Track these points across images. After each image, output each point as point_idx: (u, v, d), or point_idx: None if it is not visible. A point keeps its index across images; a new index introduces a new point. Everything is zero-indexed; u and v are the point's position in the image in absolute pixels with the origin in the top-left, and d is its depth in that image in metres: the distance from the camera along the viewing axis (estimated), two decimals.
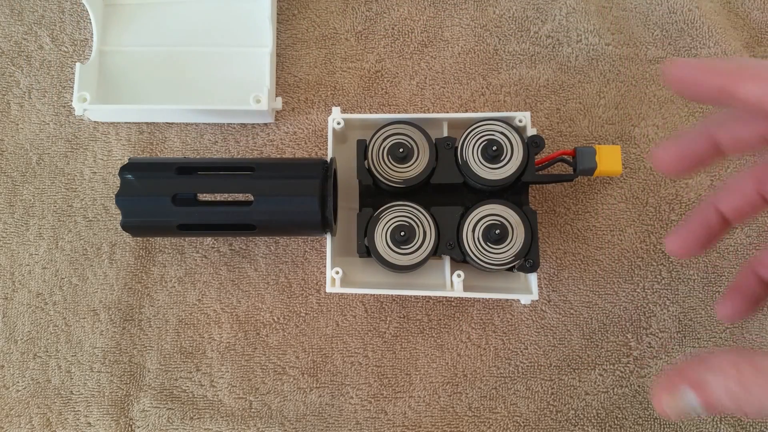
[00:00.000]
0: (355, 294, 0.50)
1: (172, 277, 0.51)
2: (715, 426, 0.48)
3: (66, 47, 0.55)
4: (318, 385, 0.49)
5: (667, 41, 0.54)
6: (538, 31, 0.55)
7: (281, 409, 0.49)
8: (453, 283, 0.45)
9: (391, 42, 0.55)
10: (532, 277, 0.45)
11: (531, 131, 0.46)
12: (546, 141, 0.51)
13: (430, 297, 0.50)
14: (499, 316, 0.50)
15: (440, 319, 0.50)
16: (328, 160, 0.46)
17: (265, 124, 0.53)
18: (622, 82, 0.54)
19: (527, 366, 0.49)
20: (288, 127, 0.53)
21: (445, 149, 0.45)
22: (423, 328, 0.50)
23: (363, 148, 0.45)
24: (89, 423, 0.49)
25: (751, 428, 0.48)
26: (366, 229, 0.44)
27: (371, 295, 0.50)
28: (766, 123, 0.29)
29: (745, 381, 0.25)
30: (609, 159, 0.45)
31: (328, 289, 0.45)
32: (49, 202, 0.52)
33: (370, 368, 0.49)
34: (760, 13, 0.56)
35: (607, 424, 0.49)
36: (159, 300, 0.50)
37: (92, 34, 0.53)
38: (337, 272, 0.44)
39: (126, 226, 0.45)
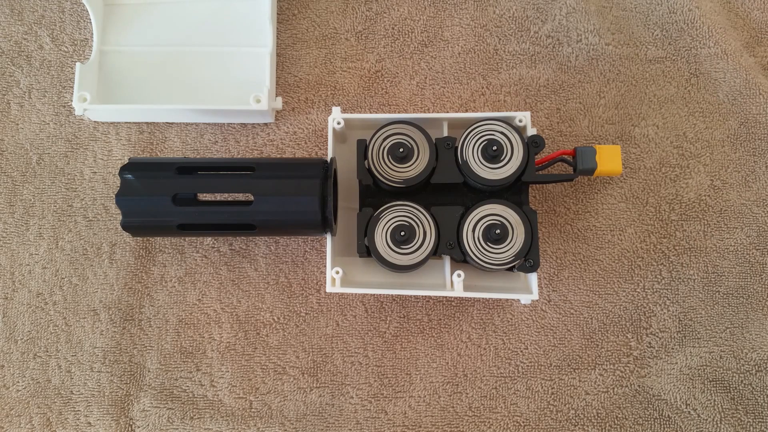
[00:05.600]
0: (355, 294, 0.50)
1: (172, 277, 0.51)
2: (716, 426, 0.48)
3: (66, 47, 0.55)
4: (318, 385, 0.49)
5: (667, 41, 0.54)
6: (538, 31, 0.55)
7: (281, 408, 0.49)
8: (453, 283, 0.45)
9: (391, 42, 0.55)
10: (532, 277, 0.45)
11: (531, 131, 0.46)
12: (546, 141, 0.52)
13: (430, 297, 0.50)
14: (499, 316, 0.50)
15: (440, 319, 0.50)
16: (328, 160, 0.46)
17: (265, 124, 0.53)
18: (622, 82, 0.54)
19: (527, 366, 0.49)
20: (288, 127, 0.53)
21: (445, 149, 0.45)
22: (423, 328, 0.50)
23: (363, 148, 0.45)
24: (89, 423, 0.49)
25: (752, 428, 0.49)
26: (366, 229, 0.44)
27: (371, 295, 0.50)
28: None
29: None
30: (609, 159, 0.45)
31: (328, 289, 0.45)
32: (49, 202, 0.52)
33: (370, 368, 0.49)
34: (760, 13, 0.56)
35: (607, 424, 0.49)
36: (159, 300, 0.50)
37: (92, 34, 0.53)
38: (337, 272, 0.44)
39: (126, 226, 0.45)
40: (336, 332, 0.50)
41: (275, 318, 0.50)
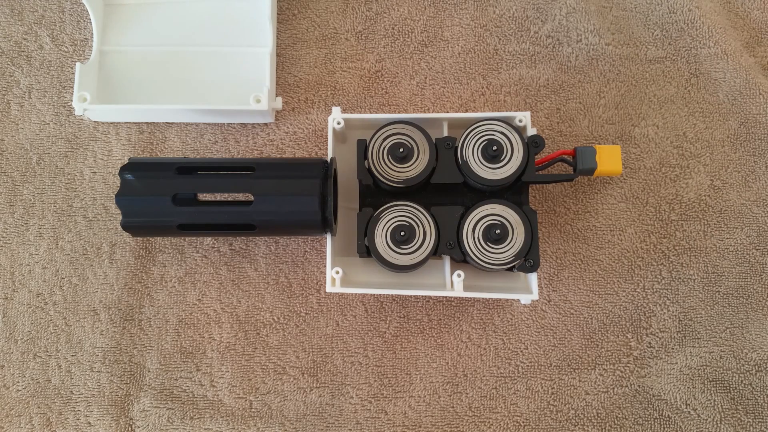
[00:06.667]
0: (355, 294, 0.50)
1: (172, 277, 0.51)
2: (716, 426, 0.48)
3: (66, 47, 0.55)
4: (318, 385, 0.49)
5: (667, 41, 0.54)
6: (538, 31, 0.55)
7: (281, 408, 0.49)
8: (453, 283, 0.45)
9: (391, 42, 0.55)
10: (532, 277, 0.45)
11: (531, 131, 0.46)
12: (546, 141, 0.52)
13: (430, 297, 0.50)
14: (499, 316, 0.50)
15: (440, 319, 0.50)
16: (328, 160, 0.46)
17: (265, 124, 0.53)
18: (622, 82, 0.54)
19: (527, 366, 0.49)
20: (288, 127, 0.53)
21: (445, 149, 0.45)
22: (423, 328, 0.50)
23: (363, 148, 0.45)
24: (89, 423, 0.49)
25: (752, 428, 0.49)
26: (366, 229, 0.44)
27: (371, 295, 0.50)
28: None
29: None
30: (609, 159, 0.45)
31: (328, 289, 0.44)
32: (49, 202, 0.52)
33: (370, 368, 0.49)
34: (760, 13, 0.56)
35: (607, 424, 0.49)
36: (159, 300, 0.50)
37: (92, 34, 0.53)
38: (337, 272, 0.44)
39: (126, 226, 0.45)
40: (336, 332, 0.50)
41: (275, 318, 0.50)
